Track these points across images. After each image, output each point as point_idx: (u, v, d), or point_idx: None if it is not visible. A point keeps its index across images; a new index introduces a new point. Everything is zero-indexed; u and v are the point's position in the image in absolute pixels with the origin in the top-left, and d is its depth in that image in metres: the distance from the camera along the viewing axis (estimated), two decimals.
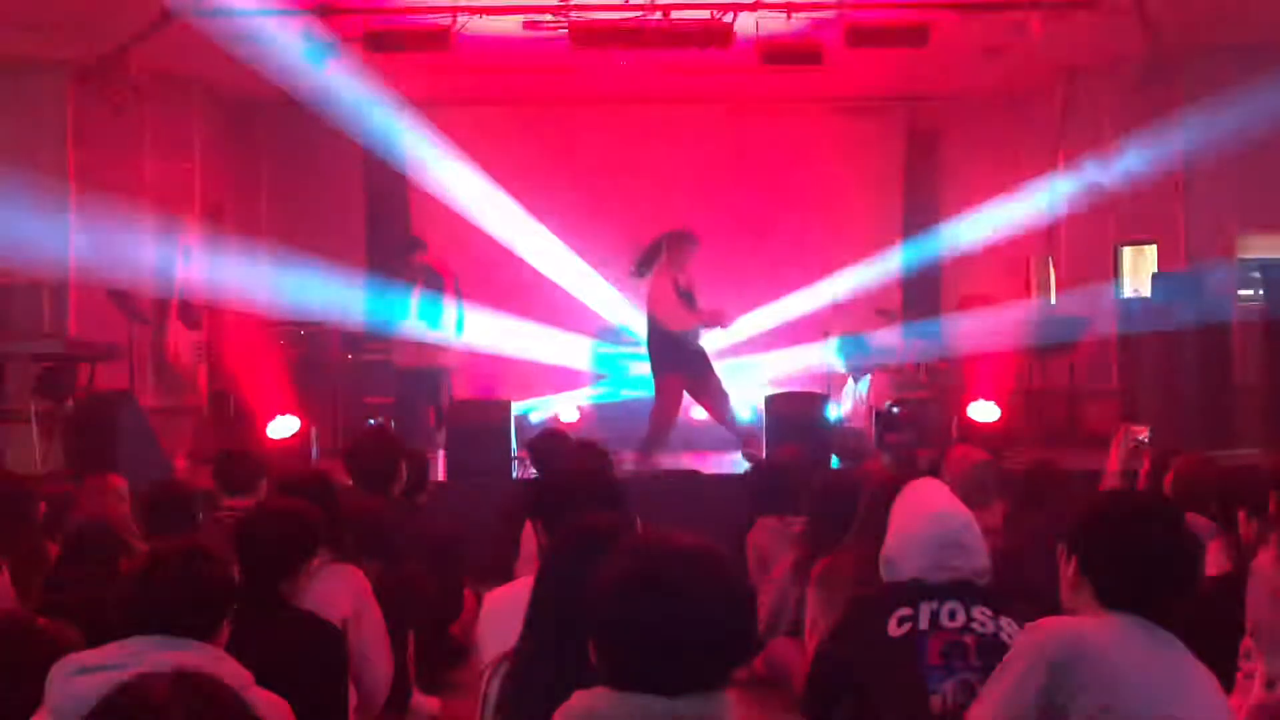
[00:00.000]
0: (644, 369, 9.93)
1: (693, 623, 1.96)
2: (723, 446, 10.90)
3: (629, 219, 11.36)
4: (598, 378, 11.94)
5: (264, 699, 2.79)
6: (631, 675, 1.98)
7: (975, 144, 12.50)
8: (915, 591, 3.28)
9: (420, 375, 10.28)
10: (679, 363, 9.14)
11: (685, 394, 9.34)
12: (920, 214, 12.56)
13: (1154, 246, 11.32)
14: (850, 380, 11.00)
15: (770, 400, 9.39)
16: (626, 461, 9.13)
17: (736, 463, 9.47)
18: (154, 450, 8.89)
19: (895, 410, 9.85)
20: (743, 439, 9.49)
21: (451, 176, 12.18)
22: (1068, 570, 2.79)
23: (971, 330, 11.29)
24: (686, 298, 9.11)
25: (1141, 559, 2.68)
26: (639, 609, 1.97)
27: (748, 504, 6.38)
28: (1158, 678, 2.59)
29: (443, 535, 5.89)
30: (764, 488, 6.27)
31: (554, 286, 12.16)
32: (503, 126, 12.21)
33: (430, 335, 10.16)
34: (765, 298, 12.20)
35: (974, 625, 3.21)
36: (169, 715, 1.66)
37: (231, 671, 2.72)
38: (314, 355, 11.57)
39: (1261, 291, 10.62)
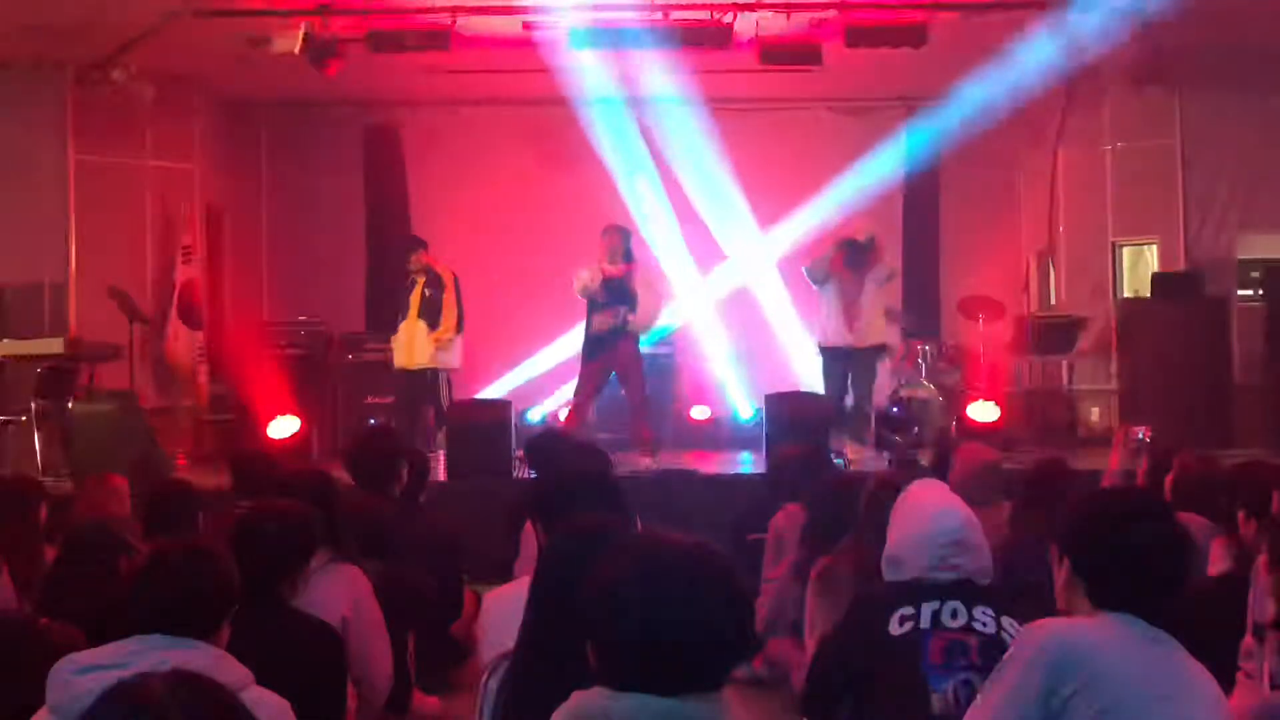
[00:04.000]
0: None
1: (690, 623, 1.96)
2: (723, 447, 10.92)
3: (628, 219, 11.35)
4: None
5: (265, 699, 2.79)
6: (629, 675, 1.98)
7: (975, 144, 12.47)
8: (917, 591, 3.28)
9: (420, 375, 10.28)
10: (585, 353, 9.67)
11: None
12: (920, 214, 12.55)
13: (1154, 246, 11.33)
14: None
15: (770, 400, 9.40)
16: (646, 460, 9.21)
17: (736, 463, 9.47)
18: (154, 450, 8.90)
19: (895, 410, 9.85)
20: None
21: (452, 176, 12.18)
22: (1061, 571, 2.79)
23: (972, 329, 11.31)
24: (608, 286, 9.40)
25: (1131, 558, 2.67)
26: (636, 609, 1.97)
27: (769, 491, 6.39)
28: (1155, 677, 2.59)
29: (443, 535, 5.89)
30: (791, 475, 6.25)
31: (553, 286, 12.15)
32: (503, 126, 12.21)
33: (430, 335, 10.15)
34: (764, 299, 12.20)
35: (976, 625, 3.21)
36: (165, 714, 1.66)
37: (232, 671, 2.72)
38: (314, 355, 11.57)
39: (1261, 291, 10.63)
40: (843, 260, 9.64)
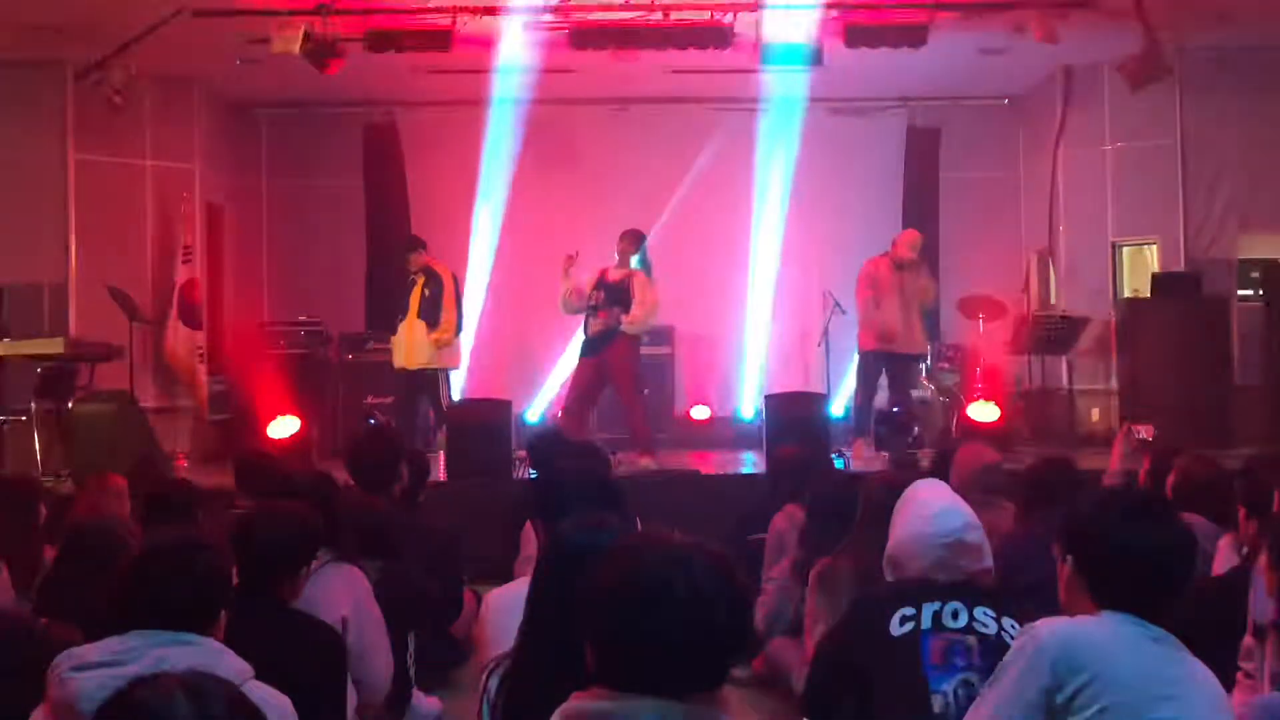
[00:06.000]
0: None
1: (689, 624, 1.95)
2: (723, 447, 10.92)
3: (628, 219, 11.36)
4: None
5: (264, 694, 2.78)
6: (628, 676, 1.97)
7: (975, 144, 12.49)
8: (918, 591, 3.28)
9: (420, 375, 10.27)
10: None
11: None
12: (920, 214, 12.55)
13: (1154, 246, 11.33)
14: None
15: (770, 400, 9.40)
16: (645, 460, 9.19)
17: (736, 463, 9.46)
18: (154, 450, 8.90)
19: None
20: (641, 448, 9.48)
21: (451, 176, 12.17)
22: (1063, 570, 2.79)
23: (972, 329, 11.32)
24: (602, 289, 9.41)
25: (1132, 557, 2.67)
26: (635, 609, 1.96)
27: (770, 491, 6.39)
28: (1156, 677, 2.58)
29: (443, 535, 5.88)
30: (791, 475, 6.24)
31: (552, 286, 12.14)
32: (502, 127, 12.20)
33: (430, 335, 10.14)
34: (764, 299, 12.20)
35: (977, 626, 3.20)
36: (178, 714, 1.66)
37: (231, 664, 2.72)
38: (314, 355, 11.57)
39: (1261, 291, 10.63)
40: (894, 268, 9.96)
